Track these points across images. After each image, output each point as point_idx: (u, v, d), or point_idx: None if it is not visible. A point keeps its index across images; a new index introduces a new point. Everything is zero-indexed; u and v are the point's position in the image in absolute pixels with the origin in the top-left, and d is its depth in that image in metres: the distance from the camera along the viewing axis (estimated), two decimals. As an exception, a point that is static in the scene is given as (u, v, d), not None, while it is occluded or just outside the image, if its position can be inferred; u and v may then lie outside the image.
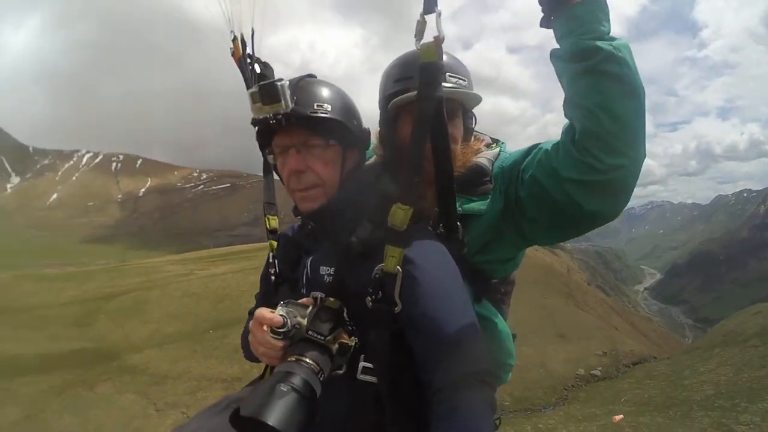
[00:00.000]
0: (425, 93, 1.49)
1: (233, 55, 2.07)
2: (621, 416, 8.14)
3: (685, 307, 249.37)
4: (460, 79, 1.85)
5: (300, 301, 1.45)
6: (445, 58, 1.70)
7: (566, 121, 1.52)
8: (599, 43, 1.37)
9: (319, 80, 1.68)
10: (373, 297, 1.38)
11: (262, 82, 1.52)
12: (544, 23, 1.51)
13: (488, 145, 2.07)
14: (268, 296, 1.77)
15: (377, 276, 1.38)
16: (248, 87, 1.98)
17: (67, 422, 13.13)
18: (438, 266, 1.47)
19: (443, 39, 1.47)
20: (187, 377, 16.35)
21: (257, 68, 2.11)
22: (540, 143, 1.72)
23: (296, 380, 1.17)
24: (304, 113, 1.53)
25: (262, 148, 1.83)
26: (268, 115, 1.50)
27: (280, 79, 1.52)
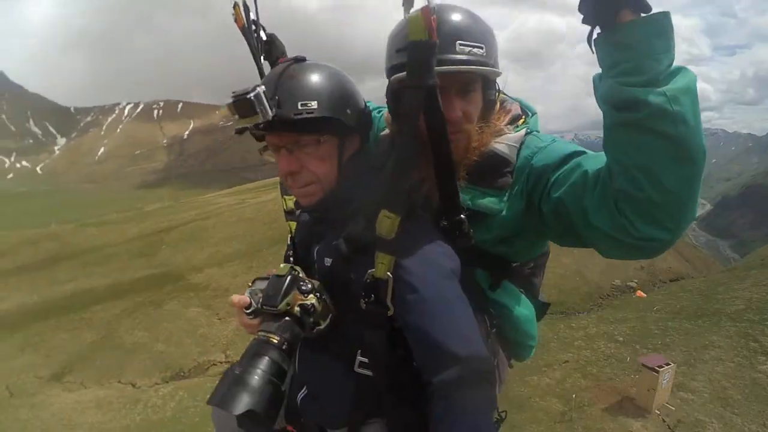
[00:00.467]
0: (411, 81, 1.28)
1: (236, 21, 1.88)
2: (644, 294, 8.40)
3: (734, 242, 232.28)
4: (475, 47, 1.43)
5: (266, 273, 1.46)
6: (455, 17, 1.44)
7: None
8: (649, 96, 1.00)
9: (304, 68, 1.44)
10: (366, 300, 1.33)
11: (234, 96, 1.29)
12: (588, 39, 1.15)
13: (515, 119, 1.65)
14: None
15: (368, 281, 1.32)
16: (255, 57, 1.90)
17: (138, 336, 13.90)
18: (431, 270, 1.34)
19: (435, 9, 1.19)
20: (248, 276, 16.83)
21: (263, 35, 1.94)
22: (579, 152, 1.41)
23: (257, 361, 1.21)
24: (288, 117, 1.33)
25: (258, 139, 1.65)
26: (248, 126, 1.36)
27: (255, 88, 1.28)
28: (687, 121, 1.00)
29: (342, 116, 1.40)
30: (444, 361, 1.22)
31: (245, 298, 1.41)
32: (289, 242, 1.77)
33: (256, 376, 1.15)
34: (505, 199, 1.51)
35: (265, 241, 22.21)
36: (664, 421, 6.24)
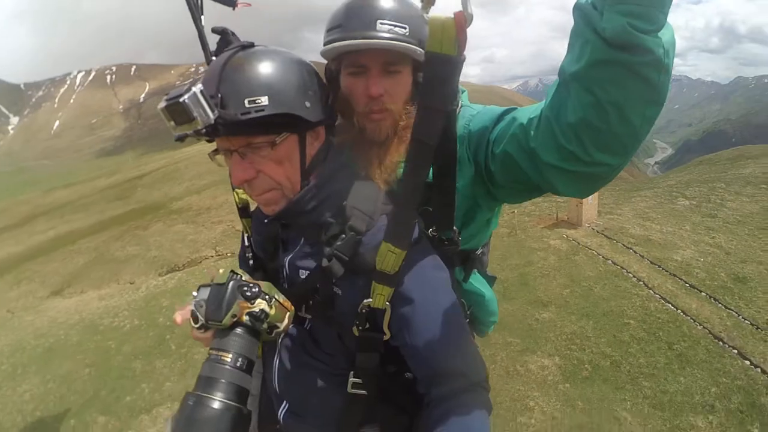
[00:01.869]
0: (429, 102, 1.09)
1: None
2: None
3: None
4: (396, 26, 1.34)
5: (210, 278, 1.29)
6: (380, 1, 1.33)
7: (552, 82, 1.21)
8: (653, 43, 0.95)
9: (252, 56, 1.16)
10: (360, 327, 1.21)
11: (167, 101, 1.04)
12: None
13: None
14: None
15: (363, 311, 1.19)
16: (197, 26, 1.66)
17: (130, 250, 14.52)
18: (433, 295, 1.24)
19: (471, 17, 0.98)
20: (228, 205, 17.40)
21: None
22: (511, 110, 1.37)
23: (211, 386, 1.06)
24: (233, 119, 1.08)
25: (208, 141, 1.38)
26: (187, 133, 1.08)
27: (189, 89, 1.03)
28: (669, 71, 1.01)
29: (299, 110, 1.16)
30: (445, 378, 1.18)
31: (187, 312, 1.22)
32: (245, 242, 1.58)
33: (213, 405, 1.03)
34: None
35: None
36: (593, 229, 7.92)
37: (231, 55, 1.14)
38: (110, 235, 17.17)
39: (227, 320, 1.12)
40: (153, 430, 4.23)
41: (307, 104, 1.17)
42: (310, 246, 1.31)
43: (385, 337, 1.21)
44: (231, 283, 1.15)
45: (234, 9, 1.74)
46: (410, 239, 1.17)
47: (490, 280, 1.88)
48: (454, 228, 1.39)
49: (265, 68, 1.13)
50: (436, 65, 1.05)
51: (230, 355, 1.10)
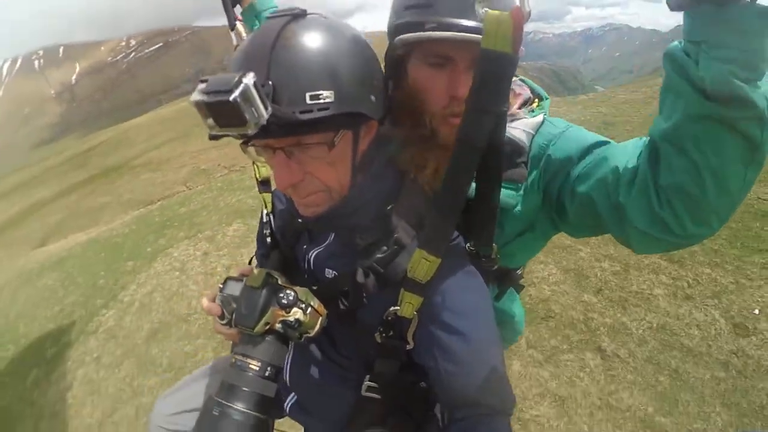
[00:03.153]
0: (478, 104, 0.94)
1: None
2: None
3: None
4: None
5: (240, 273, 1.22)
6: None
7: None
8: (756, 95, 0.81)
9: (309, 30, 0.91)
10: (384, 334, 1.11)
11: (208, 94, 0.77)
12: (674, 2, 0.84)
13: (526, 102, 1.41)
14: (265, 260, 1.42)
15: (390, 318, 1.08)
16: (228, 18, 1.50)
17: (101, 201, 15.19)
18: (468, 312, 1.11)
19: (528, 17, 0.90)
20: (188, 154, 18.07)
21: None
22: (603, 143, 1.19)
23: (235, 395, 1.02)
24: (291, 118, 0.86)
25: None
26: (230, 134, 0.87)
27: (239, 81, 0.75)
28: None
29: (365, 108, 0.97)
30: (472, 406, 1.08)
31: (216, 307, 1.16)
32: (264, 219, 1.44)
33: (237, 417, 1.00)
34: (521, 192, 1.29)
35: (195, 127, 22.79)
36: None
37: (281, 29, 0.88)
38: (77, 197, 17.72)
39: (260, 328, 1.05)
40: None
41: (372, 98, 0.98)
42: (341, 245, 1.18)
43: (408, 347, 1.10)
44: (266, 288, 1.07)
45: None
46: (446, 247, 1.02)
47: (519, 288, 1.69)
48: (494, 245, 1.24)
49: (328, 51, 0.89)
50: (490, 63, 0.89)
51: (258, 364, 1.04)
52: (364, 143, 1.06)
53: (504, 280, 1.53)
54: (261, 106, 0.78)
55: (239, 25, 1.54)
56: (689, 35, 0.86)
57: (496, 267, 1.30)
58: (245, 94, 0.75)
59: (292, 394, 1.34)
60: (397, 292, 1.05)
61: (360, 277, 1.06)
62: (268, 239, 1.38)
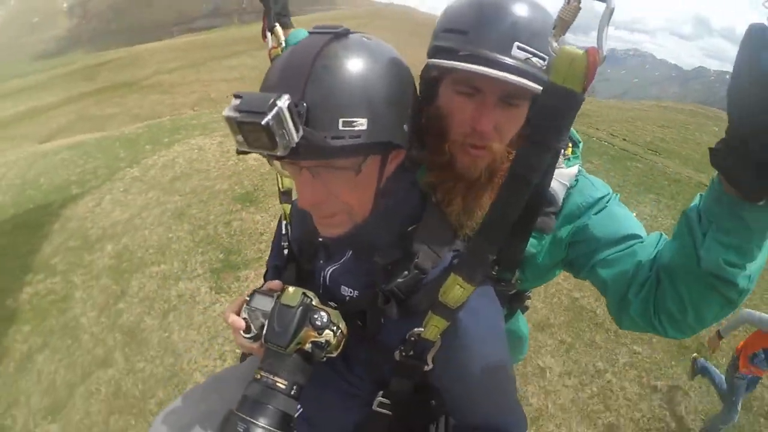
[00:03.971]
0: (538, 137, 0.89)
1: None
2: None
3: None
4: (535, 55, 1.09)
5: (268, 287, 1.18)
6: (519, 9, 1.08)
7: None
8: (740, 280, 0.97)
9: (349, 53, 0.89)
10: (404, 353, 1.09)
11: (241, 112, 0.78)
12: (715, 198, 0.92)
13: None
14: (279, 270, 1.41)
15: (412, 338, 1.07)
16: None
17: (110, 111, 15.53)
18: (490, 341, 1.12)
19: (605, 57, 0.80)
20: (199, 82, 18.36)
21: None
22: (637, 239, 1.22)
23: (260, 412, 1.01)
24: (322, 143, 0.84)
25: None
26: (261, 153, 0.85)
27: (273, 104, 0.75)
28: (750, 291, 1.00)
29: (397, 137, 0.94)
30: (488, 427, 1.12)
31: (241, 321, 1.14)
32: (282, 230, 1.44)
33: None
34: (545, 243, 1.30)
35: (208, 60, 22.91)
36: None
37: (323, 47, 0.86)
38: (85, 102, 18.02)
39: (291, 347, 1.04)
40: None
41: (405, 127, 0.96)
42: (358, 262, 1.15)
43: (427, 368, 1.08)
44: (301, 308, 1.05)
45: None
46: (483, 276, 1.01)
47: (525, 309, 1.71)
48: (517, 273, 1.27)
49: (367, 77, 0.87)
50: (556, 98, 0.84)
51: (285, 382, 1.03)
52: (391, 168, 1.03)
53: (515, 301, 1.53)
54: (293, 130, 0.77)
55: (278, 28, 1.50)
56: (706, 211, 0.94)
57: (513, 291, 1.33)
58: (278, 117, 0.74)
59: (299, 406, 1.22)
60: (423, 314, 1.02)
61: (380, 303, 1.03)
62: (285, 251, 1.37)
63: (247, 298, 1.14)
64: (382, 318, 1.07)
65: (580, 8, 0.82)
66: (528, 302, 1.62)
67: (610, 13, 0.77)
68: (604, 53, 0.79)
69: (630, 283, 1.15)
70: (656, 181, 7.89)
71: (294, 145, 0.78)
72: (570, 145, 1.35)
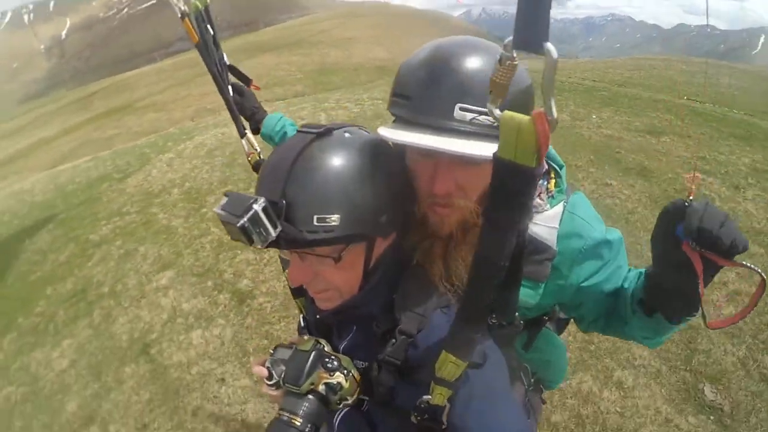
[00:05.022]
0: (495, 222, 0.83)
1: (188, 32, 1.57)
2: None
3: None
4: (481, 113, 1.02)
5: (291, 340, 1.27)
6: (462, 66, 1.03)
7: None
8: (654, 345, 1.40)
9: (328, 152, 0.99)
10: (419, 418, 1.09)
11: (223, 211, 0.92)
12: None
13: (542, 176, 1.32)
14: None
15: (423, 405, 1.07)
16: (222, 94, 1.63)
17: (111, 132, 15.83)
18: (490, 396, 1.12)
19: (556, 121, 0.67)
20: (193, 96, 18.88)
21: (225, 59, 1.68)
22: (623, 283, 1.30)
23: None
24: (298, 237, 0.95)
25: None
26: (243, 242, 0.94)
27: (250, 207, 0.88)
28: (662, 343, 1.40)
29: (372, 229, 1.02)
30: None
31: (264, 370, 1.17)
32: (301, 322, 1.47)
33: None
34: (540, 290, 1.28)
35: (197, 75, 23.40)
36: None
37: (304, 147, 0.96)
38: (85, 130, 18.65)
39: (305, 387, 1.09)
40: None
41: (383, 219, 1.01)
42: (362, 336, 1.20)
43: (444, 427, 1.07)
44: (314, 352, 1.11)
45: (249, 87, 1.76)
46: (473, 351, 0.98)
47: (562, 323, 1.72)
48: (516, 316, 1.18)
49: (343, 175, 0.95)
50: (507, 176, 0.75)
51: (300, 420, 1.07)
52: (380, 249, 1.09)
53: (533, 326, 1.47)
54: (270, 228, 0.88)
55: (249, 134, 1.66)
56: (635, 309, 1.22)
57: (521, 329, 1.26)
58: (254, 219, 0.86)
59: None
60: (427, 384, 1.01)
61: (374, 372, 1.07)
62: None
63: (272, 352, 1.20)
64: (383, 387, 1.09)
65: (516, 66, 0.73)
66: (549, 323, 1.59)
67: (553, 65, 0.64)
68: (555, 114, 0.65)
69: (599, 321, 1.38)
70: (617, 100, 8.91)
71: (273, 239, 0.91)
72: (552, 176, 1.28)
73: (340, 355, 1.14)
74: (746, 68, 19.55)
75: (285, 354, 1.17)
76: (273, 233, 0.89)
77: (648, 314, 1.17)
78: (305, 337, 1.21)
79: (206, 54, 1.59)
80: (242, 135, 1.66)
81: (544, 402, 1.70)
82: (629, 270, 1.31)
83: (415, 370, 1.06)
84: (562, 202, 1.25)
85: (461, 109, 1.00)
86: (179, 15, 1.52)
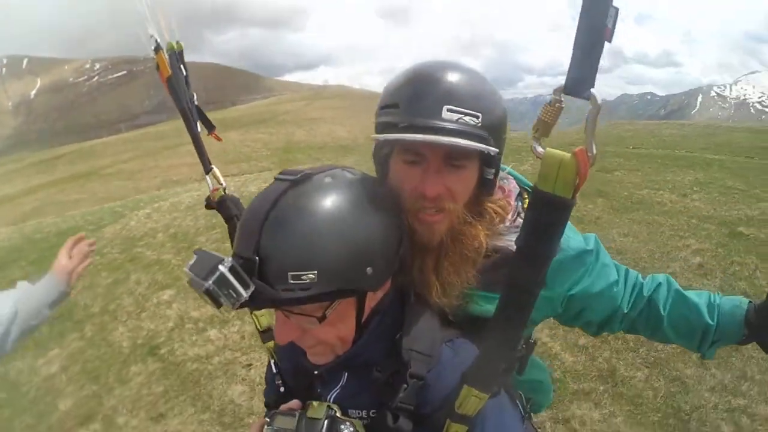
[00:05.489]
0: (531, 250, 0.85)
1: (158, 70, 1.50)
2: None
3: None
4: (467, 114, 1.05)
5: (288, 406, 1.13)
6: (449, 77, 1.07)
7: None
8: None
9: (305, 201, 0.89)
10: None
11: (191, 271, 0.83)
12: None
13: (515, 198, 1.31)
14: (278, 402, 1.25)
15: None
16: (190, 130, 1.53)
17: (76, 197, 16.11)
18: (503, 428, 1.07)
19: (594, 160, 0.74)
20: (159, 169, 19.58)
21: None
22: (615, 285, 1.30)
23: None
24: (273, 295, 0.85)
25: None
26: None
27: (215, 269, 0.79)
28: None
29: (357, 283, 0.92)
30: None
31: None
32: (273, 369, 1.35)
33: None
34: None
35: (164, 148, 24.15)
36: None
37: (279, 196, 0.89)
38: (47, 192, 18.74)
39: None
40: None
41: (369, 271, 0.91)
42: (357, 382, 1.10)
43: None
44: (327, 419, 1.03)
45: (209, 134, 1.64)
46: (497, 383, 0.98)
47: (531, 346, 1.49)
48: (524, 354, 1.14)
49: (318, 226, 0.86)
50: (546, 207, 0.80)
51: None
52: (373, 301, 1.02)
53: (527, 348, 1.32)
54: (240, 289, 0.79)
55: (215, 169, 1.57)
56: (725, 339, 1.27)
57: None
58: (220, 280, 0.78)
59: None
60: (441, 423, 0.98)
61: (390, 421, 0.98)
62: (281, 389, 1.31)
63: (268, 420, 1.08)
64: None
65: (562, 108, 0.77)
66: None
67: (597, 111, 0.69)
68: (594, 151, 0.72)
69: (610, 319, 1.34)
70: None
71: (245, 299, 0.81)
72: (525, 196, 1.28)
73: (354, 420, 1.04)
74: (686, 122, 21.55)
75: (288, 423, 1.06)
76: (244, 294, 0.81)
77: (743, 342, 1.26)
78: (314, 403, 1.07)
79: (177, 89, 1.51)
80: (207, 171, 1.59)
81: (536, 430, 1.63)
82: (627, 271, 1.36)
83: (431, 413, 1.00)
84: None
85: (448, 110, 1.03)
86: (153, 47, 1.47)
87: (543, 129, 0.81)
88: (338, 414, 1.03)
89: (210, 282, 0.78)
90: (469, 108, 1.04)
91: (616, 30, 0.72)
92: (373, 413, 1.04)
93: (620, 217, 6.34)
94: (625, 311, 1.30)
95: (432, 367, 1.00)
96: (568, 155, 0.73)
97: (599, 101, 0.70)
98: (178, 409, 3.70)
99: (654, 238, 5.63)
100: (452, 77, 1.07)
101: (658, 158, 9.62)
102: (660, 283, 1.32)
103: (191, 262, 0.83)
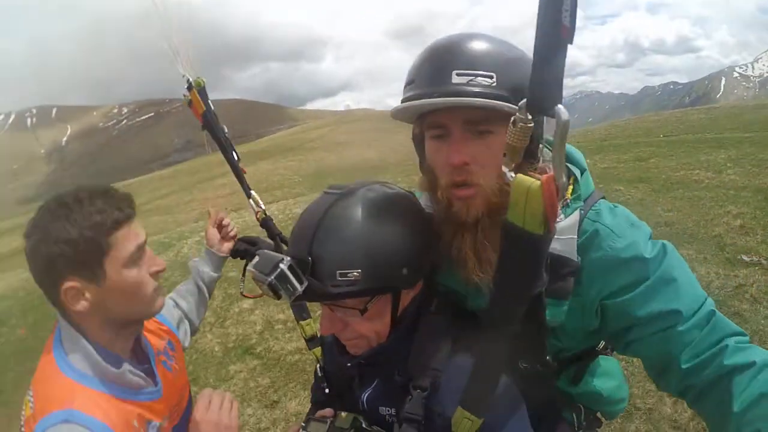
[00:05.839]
0: (504, 289, 0.86)
1: (190, 106, 1.64)
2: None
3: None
4: (479, 75, 1.01)
5: (321, 415, 1.21)
6: (463, 45, 1.05)
7: None
8: None
9: (351, 211, 1.03)
10: None
11: (255, 269, 0.98)
12: None
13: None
14: (324, 402, 1.36)
15: None
16: (227, 158, 1.76)
17: None
18: None
19: (564, 185, 0.72)
20: (195, 202, 19.69)
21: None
22: (679, 319, 1.00)
23: None
24: (323, 291, 1.00)
25: None
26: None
27: (276, 267, 0.94)
28: None
29: (394, 281, 1.05)
30: None
31: None
32: (318, 372, 1.47)
33: None
34: (565, 308, 1.11)
35: (198, 182, 24.28)
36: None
37: (329, 207, 1.03)
38: (90, 232, 18.92)
39: None
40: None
41: (405, 271, 1.04)
42: (385, 385, 1.19)
43: None
44: (353, 430, 1.13)
45: (244, 173, 1.79)
46: (488, 406, 0.97)
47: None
48: (548, 359, 1.17)
49: (362, 232, 1.01)
50: (516, 242, 0.76)
51: None
52: (407, 299, 1.13)
53: (581, 360, 1.34)
54: (296, 284, 0.95)
55: (254, 194, 1.73)
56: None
57: (555, 369, 1.21)
58: (280, 276, 0.94)
59: None
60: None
61: (397, 428, 1.03)
62: (326, 390, 1.40)
63: (303, 425, 1.19)
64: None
65: (530, 128, 0.71)
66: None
67: (563, 128, 0.63)
68: (563, 179, 0.66)
69: (664, 369, 1.03)
70: (602, 149, 10.83)
71: (300, 293, 0.96)
72: (571, 181, 1.15)
73: (379, 429, 1.15)
74: (712, 106, 21.48)
75: (320, 429, 1.16)
76: (299, 288, 0.96)
77: None
78: (342, 414, 1.19)
79: (213, 121, 1.69)
80: (248, 195, 1.78)
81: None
82: (711, 313, 1.01)
83: (437, 425, 1.03)
84: (578, 210, 1.10)
85: (458, 74, 1.02)
86: (186, 86, 1.63)
87: (511, 154, 0.76)
88: (364, 425, 1.14)
89: (272, 277, 0.94)
90: (482, 69, 1.01)
91: (576, 28, 0.64)
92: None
93: (663, 197, 6.65)
94: (682, 366, 0.97)
95: (437, 380, 1.05)
96: (536, 183, 0.68)
97: (565, 118, 0.64)
98: (291, 394, 3.91)
99: (696, 210, 5.99)
100: (464, 43, 1.06)
101: (689, 143, 10.09)
102: (754, 362, 0.90)
103: (255, 260, 1.00)
